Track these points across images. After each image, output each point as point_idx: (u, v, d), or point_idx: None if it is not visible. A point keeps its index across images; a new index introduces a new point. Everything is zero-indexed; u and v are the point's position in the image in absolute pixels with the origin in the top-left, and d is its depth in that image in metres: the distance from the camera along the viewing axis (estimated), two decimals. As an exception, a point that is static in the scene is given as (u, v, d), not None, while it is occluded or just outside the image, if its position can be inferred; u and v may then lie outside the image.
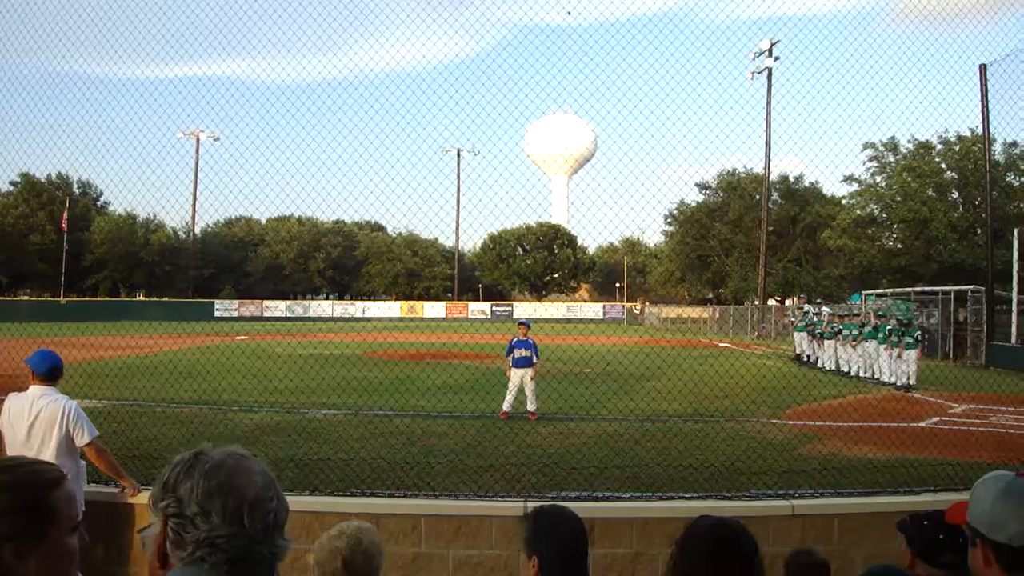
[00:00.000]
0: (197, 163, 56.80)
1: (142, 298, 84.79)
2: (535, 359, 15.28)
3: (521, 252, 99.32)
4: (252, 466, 1.91)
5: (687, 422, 13.67)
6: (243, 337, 36.80)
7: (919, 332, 23.21)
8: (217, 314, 72.34)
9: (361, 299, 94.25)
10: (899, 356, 22.13)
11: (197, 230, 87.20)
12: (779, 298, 67.15)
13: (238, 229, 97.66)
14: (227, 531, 1.81)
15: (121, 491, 6.64)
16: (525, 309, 78.80)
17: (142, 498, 6.59)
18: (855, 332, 25.37)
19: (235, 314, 74.09)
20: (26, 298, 76.87)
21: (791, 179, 67.22)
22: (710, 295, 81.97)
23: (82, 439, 5.99)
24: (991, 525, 2.29)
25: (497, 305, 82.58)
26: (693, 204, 71.69)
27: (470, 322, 72.89)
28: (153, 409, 14.13)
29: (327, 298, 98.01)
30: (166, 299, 76.42)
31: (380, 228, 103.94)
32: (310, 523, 6.28)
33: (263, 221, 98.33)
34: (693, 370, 17.44)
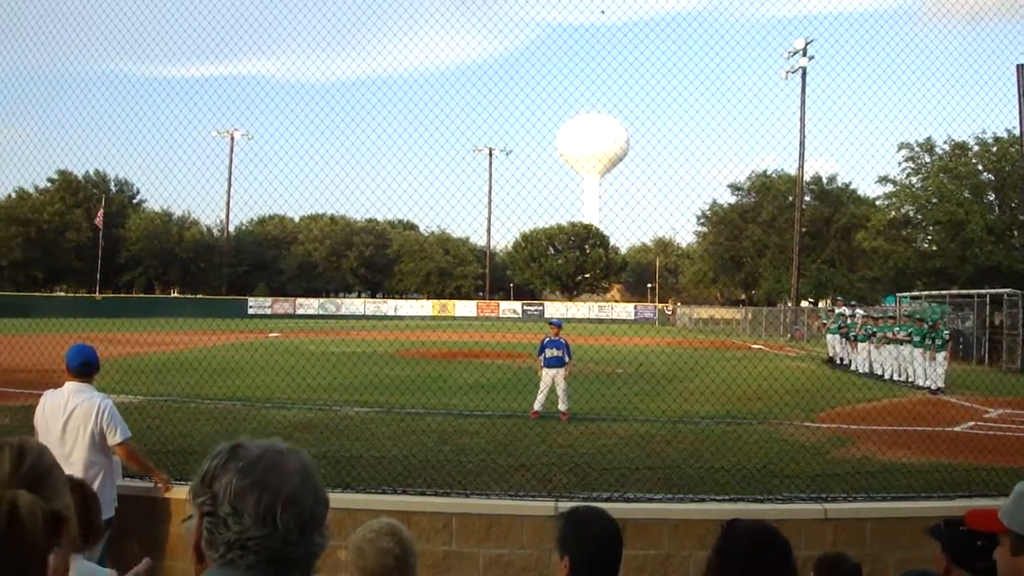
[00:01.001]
0: (231, 161, 57.41)
1: (176, 295, 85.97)
2: (567, 359, 15.27)
3: (553, 252, 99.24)
4: (289, 461, 1.86)
5: (719, 424, 13.61)
6: (276, 334, 37.14)
7: (947, 333, 22.92)
8: (251, 311, 73.03)
9: (393, 297, 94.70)
10: (932, 359, 21.90)
11: (231, 228, 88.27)
12: (812, 300, 66.55)
13: (271, 227, 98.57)
14: (259, 532, 1.77)
15: (155, 486, 6.73)
16: (556, 309, 78.72)
17: (177, 492, 6.69)
18: (893, 332, 25.07)
19: (268, 311, 74.74)
20: (62, 294, 78.19)
21: (825, 180, 66.66)
22: (742, 296, 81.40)
23: (114, 438, 6.02)
24: None
25: (528, 304, 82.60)
26: (726, 205, 71.38)
27: (501, 321, 73.00)
28: (187, 405, 14.32)
29: (359, 296, 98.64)
30: (200, 296, 77.34)
31: (412, 227, 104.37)
32: (342, 519, 6.33)
33: (296, 219, 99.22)
34: (725, 372, 17.32)
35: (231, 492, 1.79)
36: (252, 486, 1.79)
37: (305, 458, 1.91)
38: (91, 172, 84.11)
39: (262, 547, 1.77)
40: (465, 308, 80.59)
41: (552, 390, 15.05)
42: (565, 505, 6.81)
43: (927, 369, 21.96)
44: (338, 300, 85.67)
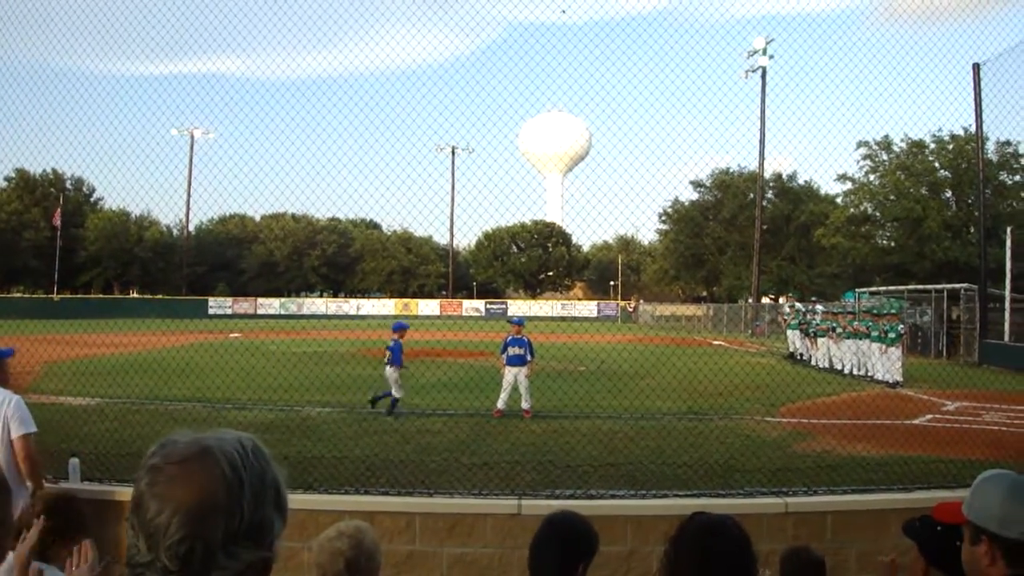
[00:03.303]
0: (191, 160, 56.59)
1: (136, 295, 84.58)
2: (530, 357, 15.28)
3: (515, 250, 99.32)
4: (210, 465, 1.53)
5: (681, 420, 13.69)
6: (237, 335, 36.71)
7: (901, 327, 23.21)
8: (211, 311, 72.15)
9: (355, 297, 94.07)
10: (885, 353, 22.20)
11: (191, 227, 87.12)
12: (773, 296, 67.27)
13: (232, 226, 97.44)
14: (144, 558, 1.49)
15: (32, 495, 6.32)
16: (520, 307, 78.80)
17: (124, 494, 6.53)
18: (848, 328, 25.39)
19: (229, 311, 73.90)
20: (19, 295, 76.62)
21: (785, 178, 67.34)
22: (704, 293, 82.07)
23: (17, 431, 5.80)
24: (1001, 522, 2.30)
25: (491, 303, 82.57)
26: (687, 202, 71.84)
27: (464, 320, 72.92)
28: (146, 407, 14.09)
29: (321, 295, 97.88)
30: (160, 296, 76.25)
31: (375, 225, 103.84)
32: (304, 521, 6.26)
33: (257, 218, 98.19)
34: (687, 368, 17.46)
35: (133, 499, 1.53)
36: (152, 496, 1.50)
37: (238, 459, 1.57)
38: (48, 171, 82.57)
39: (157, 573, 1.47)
40: (428, 307, 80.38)
41: (515, 388, 15.04)
42: (529, 504, 6.81)
43: (884, 363, 22.25)
44: (300, 300, 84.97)
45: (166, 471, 1.52)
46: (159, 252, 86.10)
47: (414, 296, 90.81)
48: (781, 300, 63.63)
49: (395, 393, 14.86)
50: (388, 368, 15.25)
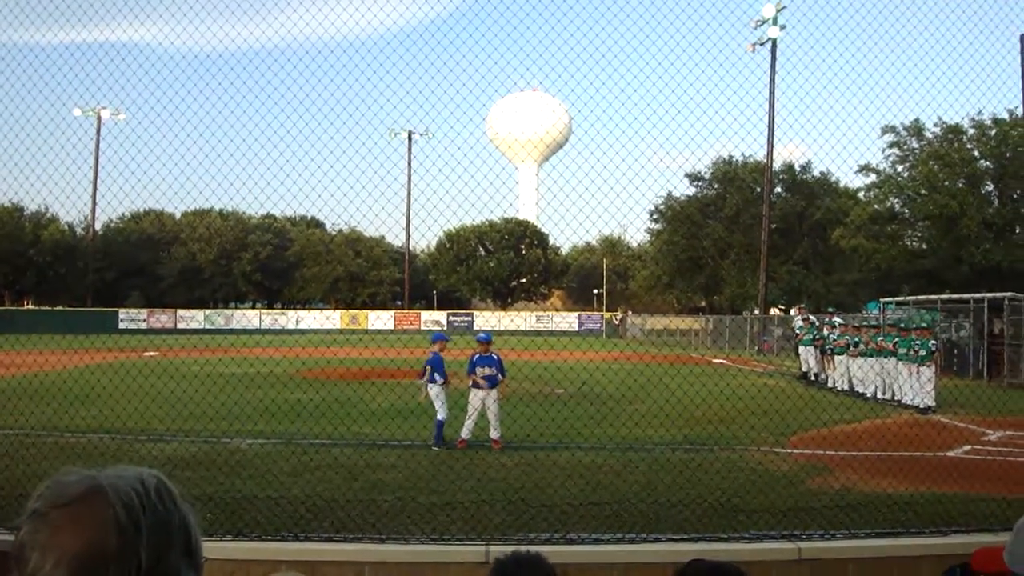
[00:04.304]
0: (98, 145, 55.81)
1: (31, 306, 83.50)
2: (500, 378, 15.28)
3: (483, 253, 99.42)
4: (102, 509, 1.53)
5: (676, 451, 13.72)
6: (153, 353, 36.35)
7: (933, 343, 23.16)
8: (122, 325, 71.43)
9: (294, 308, 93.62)
10: (916, 373, 22.22)
11: (98, 226, 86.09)
12: (783, 307, 67.70)
13: (147, 224, 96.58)
14: None
15: None
16: (488, 320, 78.83)
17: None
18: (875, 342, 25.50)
19: (143, 325, 73.22)
20: None
21: (797, 169, 67.65)
22: (703, 303, 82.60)
23: None
24: None
25: (455, 315, 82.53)
26: (683, 198, 72.08)
27: (423, 335, 72.74)
28: (44, 439, 13.88)
29: (254, 306, 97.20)
30: (60, 308, 75.28)
31: (317, 224, 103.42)
32: (234, 572, 6.20)
33: (178, 215, 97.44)
34: (683, 390, 17.50)
35: (14, 549, 1.53)
36: (34, 545, 1.51)
37: (136, 500, 1.56)
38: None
39: None
40: (380, 320, 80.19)
41: (482, 415, 15.02)
42: (498, 550, 6.78)
43: (914, 385, 22.28)
44: (228, 311, 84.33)
45: (51, 516, 1.52)
46: (59, 255, 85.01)
47: (364, 307, 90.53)
48: (793, 311, 64.03)
49: (440, 415, 14.99)
50: (430, 387, 15.35)
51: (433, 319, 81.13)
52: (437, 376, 15.40)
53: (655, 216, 74.47)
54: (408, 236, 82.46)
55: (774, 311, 63.77)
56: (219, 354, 31.75)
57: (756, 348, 50.97)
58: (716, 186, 70.99)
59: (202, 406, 16.59)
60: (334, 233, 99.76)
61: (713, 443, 14.74)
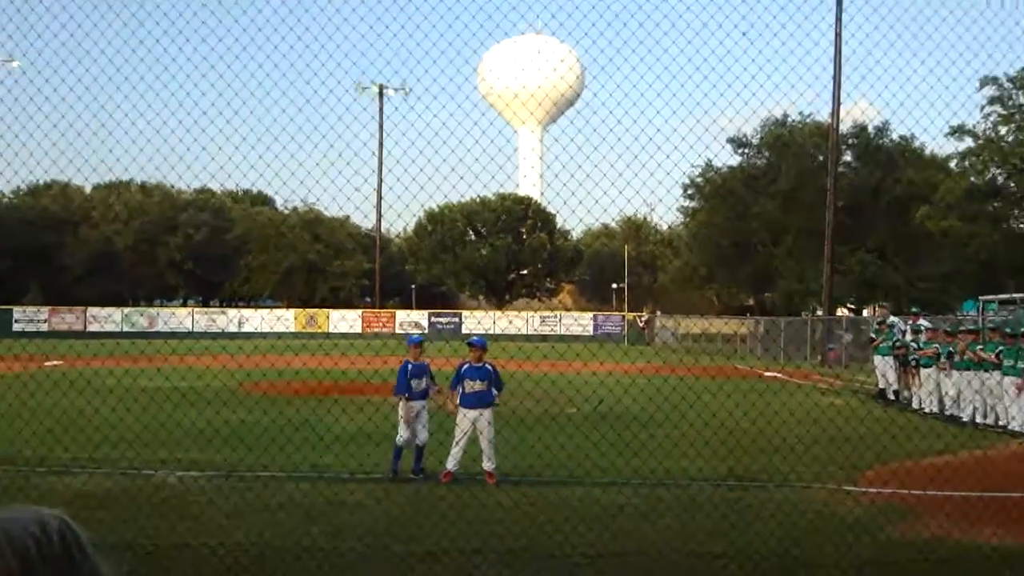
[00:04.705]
0: (-12, 101, 56.06)
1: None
2: (496, 394, 15.24)
3: (473, 237, 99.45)
4: None
5: (718, 488, 13.70)
6: (56, 362, 36.22)
7: None
8: (17, 327, 71.38)
9: (236, 305, 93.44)
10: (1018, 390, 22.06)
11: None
12: (853, 306, 67.52)
13: (48, 200, 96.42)
14: None
15: None
16: (480, 321, 78.80)
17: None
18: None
19: (44, 327, 73.18)
20: None
21: (872, 131, 67.17)
22: (750, 301, 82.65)
23: None
24: None
25: (438, 315, 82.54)
26: (725, 169, 71.95)
27: (397, 339, 72.71)
28: (-81, 470, 13.88)
29: (185, 304, 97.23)
30: (-61, 305, 75.23)
31: (265, 201, 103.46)
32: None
33: (87, 189, 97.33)
34: (726, 411, 17.46)
35: None
36: None
37: (33, 548, 1.57)
38: None
39: None
40: (344, 321, 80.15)
41: (473, 441, 14.98)
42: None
43: (1023, 406, 22.09)
44: (152, 310, 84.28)
45: None
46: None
47: (324, 305, 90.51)
48: (866, 312, 63.88)
49: (400, 436, 15.17)
50: (402, 403, 15.49)
51: (411, 320, 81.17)
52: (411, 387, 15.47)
53: (690, 191, 74.36)
54: (379, 216, 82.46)
55: (842, 311, 63.59)
56: (141, 364, 31.62)
57: (819, 358, 50.89)
58: (767, 154, 70.80)
59: (119, 429, 16.55)
60: (286, 212, 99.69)
61: (765, 478, 14.71)
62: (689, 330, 74.56)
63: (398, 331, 78.37)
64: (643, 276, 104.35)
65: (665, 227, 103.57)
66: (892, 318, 33.28)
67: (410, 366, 15.59)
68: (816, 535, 10.72)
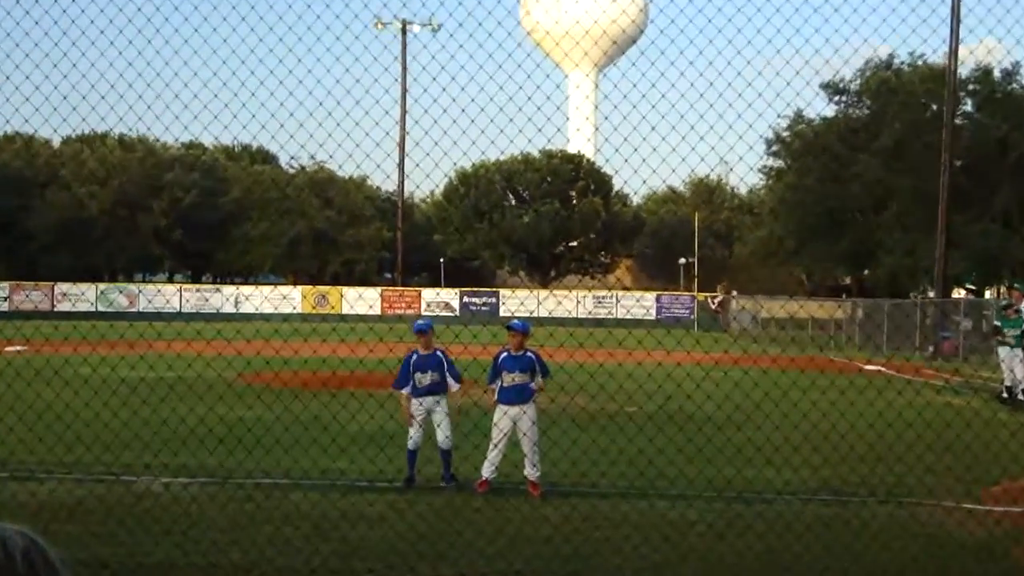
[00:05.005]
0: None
1: None
2: (539, 381, 15.21)
3: (514, 202, 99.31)
4: None
5: (809, 503, 13.64)
6: (20, 348, 36.53)
7: None
8: (-25, 307, 71.97)
9: (233, 282, 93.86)
10: None
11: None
12: (973, 287, 66.93)
13: (10, 156, 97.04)
14: None
15: None
16: (522, 302, 78.80)
17: None
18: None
19: (5, 306, 73.88)
20: None
21: (997, 75, 66.46)
22: (847, 280, 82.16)
23: None
24: None
25: (472, 293, 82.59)
26: (818, 121, 71.37)
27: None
28: None
29: (171, 279, 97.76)
30: None
31: (267, 158, 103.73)
32: None
33: (56, 143, 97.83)
34: (818, 412, 17.39)
35: None
36: None
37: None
38: None
39: None
40: (361, 300, 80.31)
41: (514, 443, 14.97)
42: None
43: None
44: (133, 286, 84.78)
45: None
46: None
47: (336, 281, 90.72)
48: (988, 295, 63.28)
49: (413, 439, 15.35)
50: (414, 400, 15.63)
51: (439, 300, 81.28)
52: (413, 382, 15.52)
53: (775, 148, 73.89)
54: (402, 177, 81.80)
55: (959, 293, 63.07)
56: (120, 350, 31.75)
57: (931, 349, 50.54)
58: (868, 102, 70.22)
59: (94, 427, 16.64)
60: (292, 172, 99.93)
61: (866, 493, 14.62)
62: (773, 314, 74.04)
63: (424, 313, 78.48)
64: (717, 249, 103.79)
65: (744, 191, 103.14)
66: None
67: (415, 357, 15.62)
68: (929, 562, 10.65)
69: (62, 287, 78.27)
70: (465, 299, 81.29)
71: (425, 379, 15.37)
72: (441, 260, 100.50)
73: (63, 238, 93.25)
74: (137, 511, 12.40)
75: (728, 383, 21.76)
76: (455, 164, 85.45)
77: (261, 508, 12.73)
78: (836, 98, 70.62)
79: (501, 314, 73.98)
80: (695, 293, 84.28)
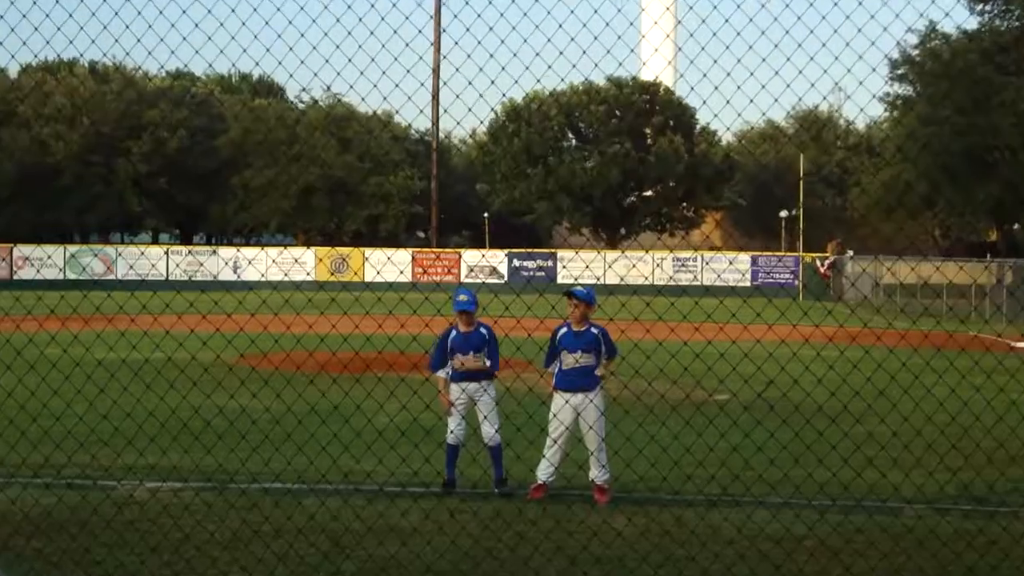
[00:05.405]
0: None
1: None
2: (606, 368, 15.21)
3: (575, 142, 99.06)
4: None
5: (946, 514, 13.59)
6: (-26, 323, 36.89)
7: None
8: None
9: (232, 243, 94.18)
10: None
11: None
12: None
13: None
14: None
15: None
16: (587, 266, 78.69)
17: None
18: None
19: (-45, 274, 74.35)
20: None
21: None
22: (992, 236, 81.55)
23: None
24: None
25: (524, 255, 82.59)
26: (955, 35, 70.75)
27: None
28: None
29: (156, 239, 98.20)
30: None
31: (272, 90, 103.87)
32: None
33: (14, 73, 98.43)
34: (959, 401, 17.32)
35: None
36: None
37: None
38: None
39: None
40: (388, 265, 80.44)
41: (577, 438, 14.99)
42: None
43: None
44: (110, 248, 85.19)
45: None
46: None
47: (357, 242, 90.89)
48: None
49: (453, 434, 15.50)
50: (452, 386, 15.75)
51: (483, 264, 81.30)
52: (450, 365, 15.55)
53: (902, 71, 73.32)
54: (437, 112, 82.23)
55: None
56: (95, 326, 31.86)
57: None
58: (1018, 12, 69.55)
59: (65, 421, 16.79)
60: (302, 107, 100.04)
61: (1020, 502, 14.54)
62: (899, 278, 73.55)
63: (465, 280, 78.51)
64: (828, 198, 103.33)
65: (862, 126, 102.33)
66: None
67: (454, 334, 15.62)
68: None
69: (23, 250, 78.79)
70: (515, 262, 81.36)
71: (468, 360, 15.37)
72: (485, 215, 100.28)
73: (22, 190, 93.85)
74: (118, 523, 12.47)
75: (844, 365, 21.65)
76: (503, 96, 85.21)
77: (269, 519, 12.79)
78: (979, 7, 70.04)
79: (559, 280, 74.06)
80: (801, 253, 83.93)
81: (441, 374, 15.62)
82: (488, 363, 15.49)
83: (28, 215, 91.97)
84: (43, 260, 77.81)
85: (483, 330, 15.67)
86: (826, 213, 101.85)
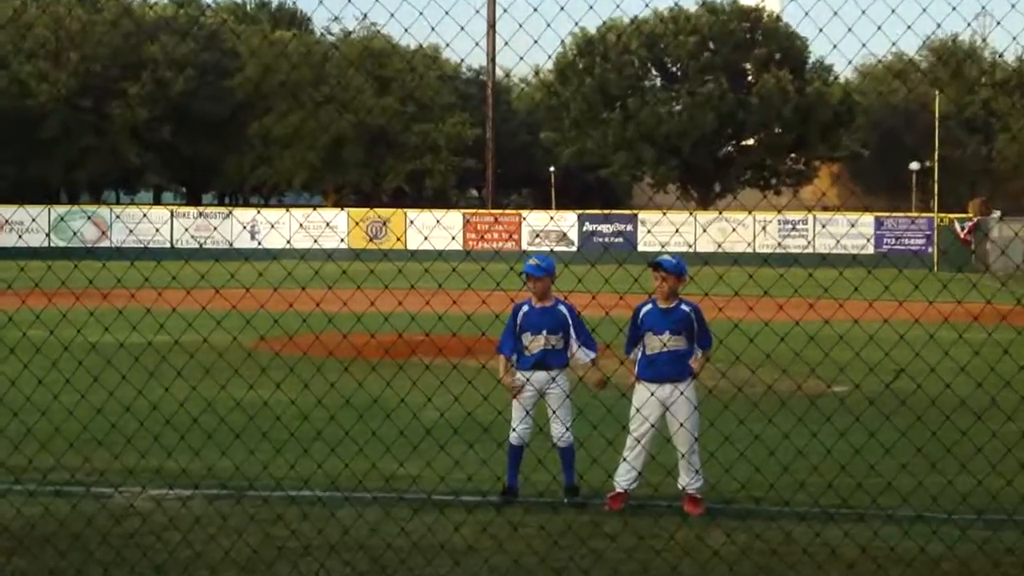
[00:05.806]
0: None
1: None
2: (698, 355, 15.18)
3: (659, 82, 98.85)
4: None
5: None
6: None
7: None
8: None
9: (249, 203, 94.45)
10: None
11: None
12: None
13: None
14: None
15: None
16: (677, 229, 78.62)
17: None
18: None
19: (-78, 241, 74.99)
20: None
21: None
22: None
23: None
24: None
25: (598, 218, 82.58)
26: None
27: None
28: None
29: (158, 200, 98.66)
30: None
31: (294, 20, 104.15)
32: None
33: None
34: None
35: None
36: None
37: None
38: None
39: None
40: (435, 228, 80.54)
41: (664, 439, 14.98)
42: None
43: None
44: (104, 210, 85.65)
45: None
46: None
47: (399, 202, 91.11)
48: None
49: (517, 432, 15.55)
50: (518, 374, 15.78)
51: (551, 228, 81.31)
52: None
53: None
54: (493, 46, 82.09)
55: None
56: (88, 302, 32.01)
57: None
58: None
59: (53, 418, 16.89)
60: (333, 40, 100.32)
61: None
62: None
63: (527, 247, 78.57)
64: (970, 147, 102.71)
65: (1012, 58, 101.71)
66: None
67: (525, 308, 15.57)
68: None
69: (2, 212, 79.30)
70: (588, 226, 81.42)
71: (537, 343, 15.31)
72: (551, 170, 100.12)
73: (3, 142, 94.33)
74: (115, 537, 12.53)
75: (992, 349, 21.55)
76: (575, 24, 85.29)
77: (296, 533, 12.84)
78: None
79: (641, 248, 73.99)
80: (936, 214, 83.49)
81: (507, 357, 15.59)
82: (586, 354, 15.44)
83: (7, 171, 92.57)
84: (25, 224, 78.30)
85: (562, 307, 15.58)
86: (968, 164, 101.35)
